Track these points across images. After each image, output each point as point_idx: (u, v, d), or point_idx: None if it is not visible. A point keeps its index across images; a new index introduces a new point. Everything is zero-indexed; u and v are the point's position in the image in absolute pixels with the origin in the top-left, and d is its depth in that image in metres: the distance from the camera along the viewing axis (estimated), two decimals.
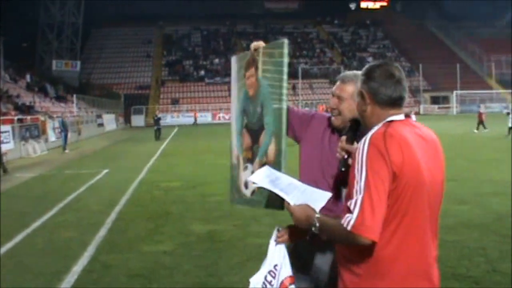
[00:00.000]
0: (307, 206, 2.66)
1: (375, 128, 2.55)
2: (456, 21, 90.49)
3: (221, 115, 64.86)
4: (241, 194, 3.58)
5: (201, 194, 12.80)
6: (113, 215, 10.41)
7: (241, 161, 3.58)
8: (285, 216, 3.03)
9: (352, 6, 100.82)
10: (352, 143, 2.87)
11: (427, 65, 73.66)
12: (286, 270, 3.13)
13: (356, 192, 2.38)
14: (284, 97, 3.17)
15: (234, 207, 10.95)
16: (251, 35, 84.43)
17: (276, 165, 3.18)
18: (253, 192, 3.44)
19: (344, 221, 2.37)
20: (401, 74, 2.65)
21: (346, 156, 2.86)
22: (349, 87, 3.20)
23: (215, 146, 27.52)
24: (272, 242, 3.20)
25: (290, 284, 3.10)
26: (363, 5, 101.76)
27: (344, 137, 2.92)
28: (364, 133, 2.60)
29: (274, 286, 3.09)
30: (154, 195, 13.00)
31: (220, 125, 55.40)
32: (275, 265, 3.15)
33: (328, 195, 2.81)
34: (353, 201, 2.37)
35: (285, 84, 3.17)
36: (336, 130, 3.30)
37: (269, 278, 3.14)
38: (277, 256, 3.15)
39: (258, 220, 9.70)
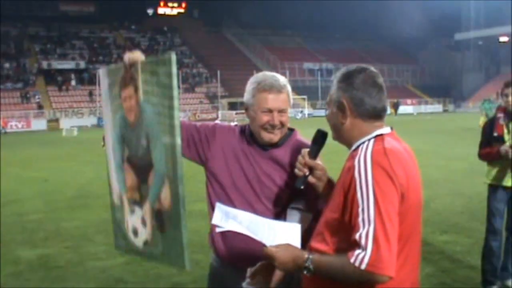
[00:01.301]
0: (290, 246, 2.21)
1: (367, 144, 2.20)
2: (251, 28, 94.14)
3: (13, 123, 60.32)
4: (129, 242, 2.82)
5: (16, 213, 11.40)
6: None
7: (126, 202, 2.80)
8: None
9: (150, 11, 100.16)
10: (315, 158, 2.46)
11: (224, 72, 75.39)
12: None
13: (364, 223, 1.98)
14: (177, 129, 2.37)
15: (58, 225, 9.97)
16: (45, 38, 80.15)
17: (174, 215, 2.41)
18: (145, 243, 2.67)
19: (354, 259, 1.96)
20: (382, 81, 2.32)
21: (307, 173, 2.44)
22: (286, 95, 2.87)
23: (18, 157, 25.31)
24: (244, 285, 2.60)
25: None
26: (161, 11, 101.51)
27: (305, 151, 2.49)
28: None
29: None
30: None
31: (16, 134, 51.68)
32: None
33: (297, 227, 2.36)
34: (363, 233, 1.97)
35: (176, 113, 2.39)
36: (256, 143, 2.88)
37: None
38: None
39: (91, 239, 8.90)
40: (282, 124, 2.81)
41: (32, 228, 9.84)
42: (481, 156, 5.86)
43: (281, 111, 2.79)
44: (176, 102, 2.39)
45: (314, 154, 2.46)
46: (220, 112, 72.01)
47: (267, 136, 2.79)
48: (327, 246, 2.18)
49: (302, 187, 2.47)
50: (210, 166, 2.95)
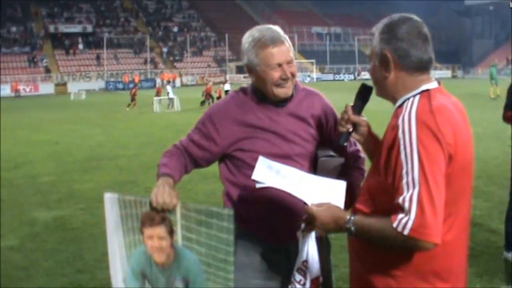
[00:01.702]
0: (332, 206, 2.12)
1: (412, 101, 2.05)
2: None
3: (21, 87, 60.16)
4: None
5: (28, 175, 11.38)
6: None
7: None
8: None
9: None
10: (359, 114, 2.33)
11: (232, 35, 74.72)
12: (315, 269, 2.55)
13: (408, 186, 1.87)
14: (231, 282, 2.36)
15: (71, 187, 9.95)
16: (51, 1, 79.32)
17: None
18: None
19: (397, 223, 1.85)
20: (427, 31, 2.17)
21: (351, 129, 2.32)
22: (288, 44, 2.68)
23: (27, 120, 25.31)
24: (299, 234, 2.54)
25: (318, 286, 2.53)
26: None
27: (349, 106, 2.34)
28: None
29: (307, 286, 2.50)
30: None
31: (24, 98, 51.72)
32: (304, 262, 2.55)
33: (343, 184, 2.25)
34: (406, 197, 1.86)
35: (232, 268, 2.35)
36: (269, 103, 2.69)
37: (298, 277, 2.54)
38: (306, 252, 2.54)
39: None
40: (293, 75, 2.64)
41: (45, 190, 9.82)
42: (506, 119, 5.72)
43: (289, 62, 2.63)
44: (233, 259, 2.35)
45: (358, 109, 2.33)
46: (228, 76, 71.81)
47: (281, 92, 2.63)
48: (370, 208, 2.09)
49: (345, 143, 2.37)
50: (230, 152, 2.73)
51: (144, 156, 13.58)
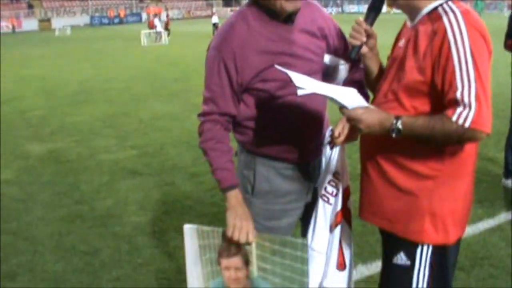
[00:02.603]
0: (374, 109, 2.11)
1: (449, 6, 2.05)
2: None
3: (3, 24, 58.81)
4: None
5: (18, 110, 11.24)
6: None
7: None
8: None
9: None
10: (371, 26, 2.26)
11: None
12: (345, 179, 2.55)
13: (463, 82, 1.94)
14: None
15: (63, 120, 9.84)
16: None
17: None
18: None
19: (457, 117, 1.94)
20: None
21: (365, 41, 2.25)
22: None
23: (12, 56, 24.97)
24: (327, 146, 2.53)
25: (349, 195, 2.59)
26: None
27: (360, 19, 2.24)
28: None
29: (340, 197, 2.52)
30: None
31: (7, 35, 50.71)
32: (335, 173, 2.54)
33: (355, 91, 2.14)
34: (464, 92, 1.94)
35: None
36: (277, 22, 2.43)
37: (330, 189, 2.55)
38: (336, 162, 2.54)
39: (99, 133, 8.83)
40: None
41: (37, 124, 9.73)
42: (507, 47, 5.66)
43: None
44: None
45: (371, 21, 2.24)
46: (215, 9, 70.73)
47: (291, 5, 2.34)
48: (406, 109, 2.10)
49: (355, 56, 2.28)
50: (251, 86, 2.46)
51: (134, 88, 13.45)
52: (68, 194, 5.85)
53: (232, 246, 2.32)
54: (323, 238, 2.56)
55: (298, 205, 2.59)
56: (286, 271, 2.27)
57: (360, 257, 4.06)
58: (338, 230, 2.74)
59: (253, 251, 2.37)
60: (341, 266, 2.81)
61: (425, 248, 2.16)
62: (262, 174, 2.54)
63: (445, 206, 2.13)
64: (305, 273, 2.22)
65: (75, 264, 4.26)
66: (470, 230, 4.53)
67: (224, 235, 2.33)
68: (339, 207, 2.69)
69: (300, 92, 2.09)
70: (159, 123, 9.37)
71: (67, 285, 3.95)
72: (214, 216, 5.05)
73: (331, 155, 2.56)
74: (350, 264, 2.77)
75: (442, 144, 2.05)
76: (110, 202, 5.60)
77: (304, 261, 2.20)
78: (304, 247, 2.18)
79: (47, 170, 6.81)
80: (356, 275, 3.06)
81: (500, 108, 6.63)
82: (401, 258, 2.20)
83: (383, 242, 2.38)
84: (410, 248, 2.18)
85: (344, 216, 2.72)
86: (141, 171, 6.64)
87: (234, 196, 2.33)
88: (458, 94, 1.93)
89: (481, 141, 2.05)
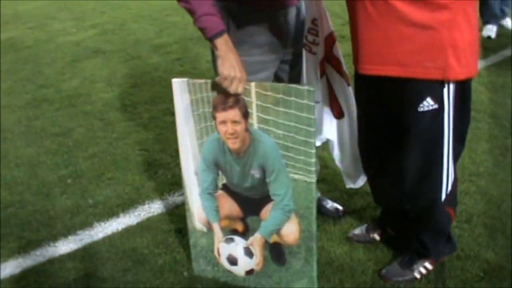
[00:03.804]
0: None
1: None
2: None
3: None
4: (220, 269, 2.59)
5: None
6: None
7: (217, 230, 2.49)
8: None
9: None
10: None
11: None
12: (327, 24, 2.43)
13: None
14: (313, 167, 2.14)
15: (15, 9, 9.30)
16: None
17: (305, 251, 2.35)
18: (249, 272, 2.49)
19: None
20: None
21: None
22: None
23: None
24: None
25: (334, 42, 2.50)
26: None
27: None
28: None
29: (322, 45, 2.43)
30: None
31: None
32: (313, 20, 2.42)
33: None
34: None
35: (314, 151, 2.11)
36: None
37: (310, 37, 2.47)
38: (313, 7, 2.43)
39: (54, 17, 8.45)
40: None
41: None
42: None
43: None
44: (314, 140, 2.12)
45: None
46: None
47: None
48: None
49: None
50: None
51: None
52: (31, 80, 5.59)
53: (228, 98, 2.14)
54: (315, 88, 2.44)
55: (274, 56, 2.39)
56: (291, 121, 2.12)
57: None
58: (324, 79, 2.63)
59: (253, 101, 2.18)
60: (337, 114, 2.72)
61: (451, 86, 2.02)
62: (237, 22, 2.33)
63: (464, 36, 1.97)
64: (312, 122, 2.06)
65: (47, 146, 4.12)
66: None
67: (216, 85, 2.12)
68: (321, 55, 2.57)
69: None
70: (117, 1, 8.91)
71: (43, 167, 3.83)
72: None
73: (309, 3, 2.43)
74: (350, 113, 2.67)
75: None
76: (76, 82, 5.38)
77: (311, 109, 2.04)
78: (311, 94, 2.00)
79: (5, 59, 6.45)
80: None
81: None
82: (427, 104, 2.04)
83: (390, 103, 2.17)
84: (435, 90, 2.03)
85: (331, 65, 2.59)
86: (104, 48, 6.36)
87: (224, 43, 2.08)
88: None
89: None
